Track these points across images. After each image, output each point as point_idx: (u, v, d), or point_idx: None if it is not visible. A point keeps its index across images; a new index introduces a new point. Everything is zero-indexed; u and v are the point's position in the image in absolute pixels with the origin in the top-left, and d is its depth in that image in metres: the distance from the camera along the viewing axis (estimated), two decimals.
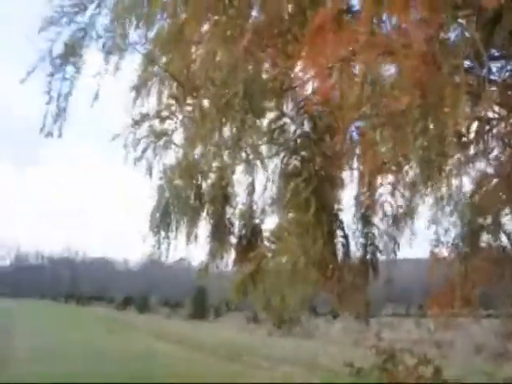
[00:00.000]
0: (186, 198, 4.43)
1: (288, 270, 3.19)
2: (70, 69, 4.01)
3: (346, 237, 3.59)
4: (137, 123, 4.29)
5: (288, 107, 3.82)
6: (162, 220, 4.26)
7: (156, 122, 4.37)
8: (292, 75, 3.48)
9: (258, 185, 5.06)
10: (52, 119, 3.97)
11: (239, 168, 5.07)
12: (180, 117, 4.31)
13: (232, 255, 4.84)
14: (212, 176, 4.78)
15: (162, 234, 4.23)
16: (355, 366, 5.43)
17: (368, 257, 3.59)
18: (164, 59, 4.25)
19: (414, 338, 19.10)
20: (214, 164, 4.85)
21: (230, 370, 13.22)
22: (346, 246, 3.58)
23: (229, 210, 4.88)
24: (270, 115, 3.75)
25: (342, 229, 3.58)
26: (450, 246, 5.63)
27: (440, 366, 5.42)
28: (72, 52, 4.04)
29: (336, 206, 3.56)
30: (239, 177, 5.02)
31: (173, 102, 4.26)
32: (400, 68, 2.65)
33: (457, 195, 5.49)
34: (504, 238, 5.58)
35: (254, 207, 5.16)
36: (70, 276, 65.20)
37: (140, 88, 4.29)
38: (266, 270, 3.57)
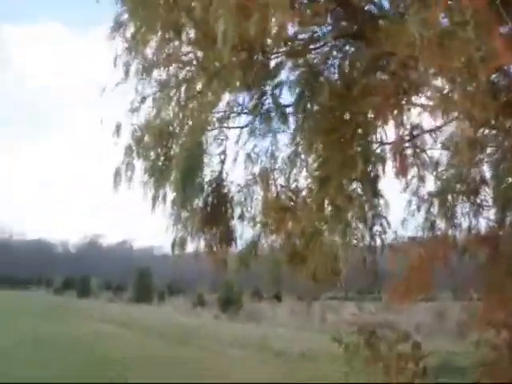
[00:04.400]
0: (154, 159, 4.00)
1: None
2: None
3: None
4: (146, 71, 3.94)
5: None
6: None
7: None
8: None
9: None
10: None
11: (212, 133, 4.73)
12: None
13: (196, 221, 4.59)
14: (183, 139, 4.37)
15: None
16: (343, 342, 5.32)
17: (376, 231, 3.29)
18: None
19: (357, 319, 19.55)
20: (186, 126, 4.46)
21: (182, 353, 12.83)
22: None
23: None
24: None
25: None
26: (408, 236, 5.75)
27: (419, 341, 5.43)
28: None
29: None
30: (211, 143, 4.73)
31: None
32: None
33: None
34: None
35: (224, 175, 4.93)
36: (2, 259, 61.62)
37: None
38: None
